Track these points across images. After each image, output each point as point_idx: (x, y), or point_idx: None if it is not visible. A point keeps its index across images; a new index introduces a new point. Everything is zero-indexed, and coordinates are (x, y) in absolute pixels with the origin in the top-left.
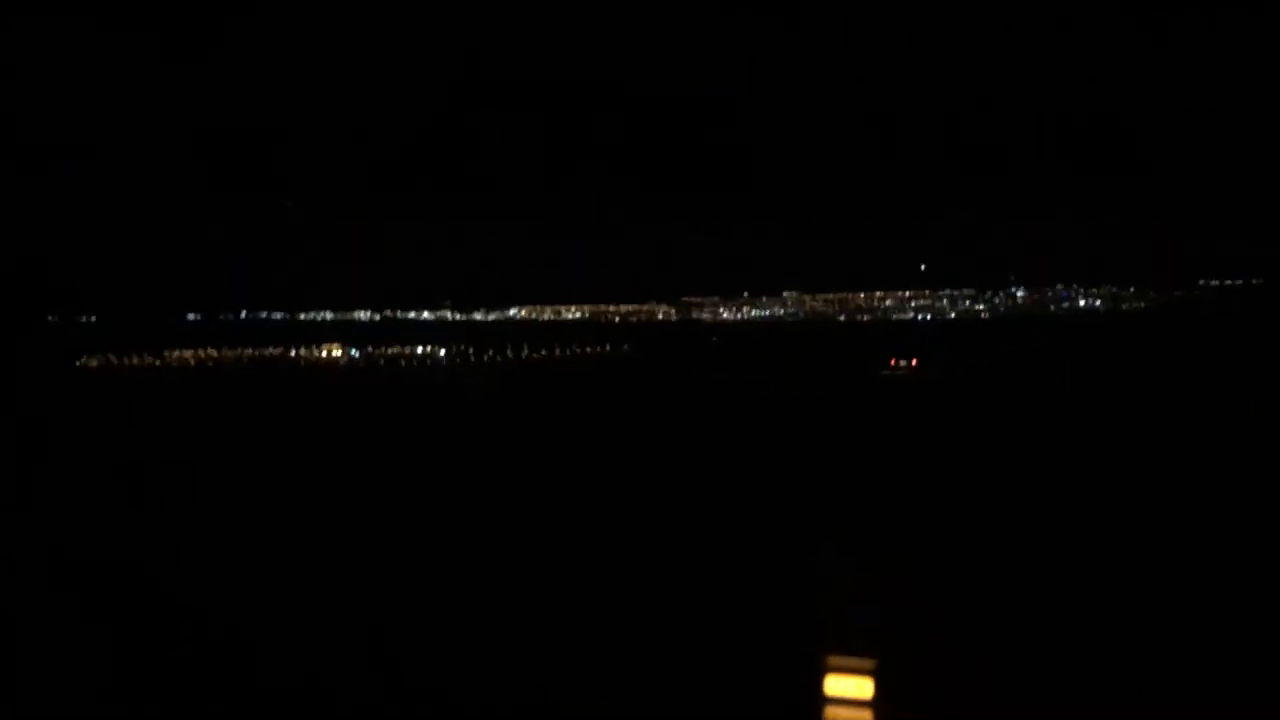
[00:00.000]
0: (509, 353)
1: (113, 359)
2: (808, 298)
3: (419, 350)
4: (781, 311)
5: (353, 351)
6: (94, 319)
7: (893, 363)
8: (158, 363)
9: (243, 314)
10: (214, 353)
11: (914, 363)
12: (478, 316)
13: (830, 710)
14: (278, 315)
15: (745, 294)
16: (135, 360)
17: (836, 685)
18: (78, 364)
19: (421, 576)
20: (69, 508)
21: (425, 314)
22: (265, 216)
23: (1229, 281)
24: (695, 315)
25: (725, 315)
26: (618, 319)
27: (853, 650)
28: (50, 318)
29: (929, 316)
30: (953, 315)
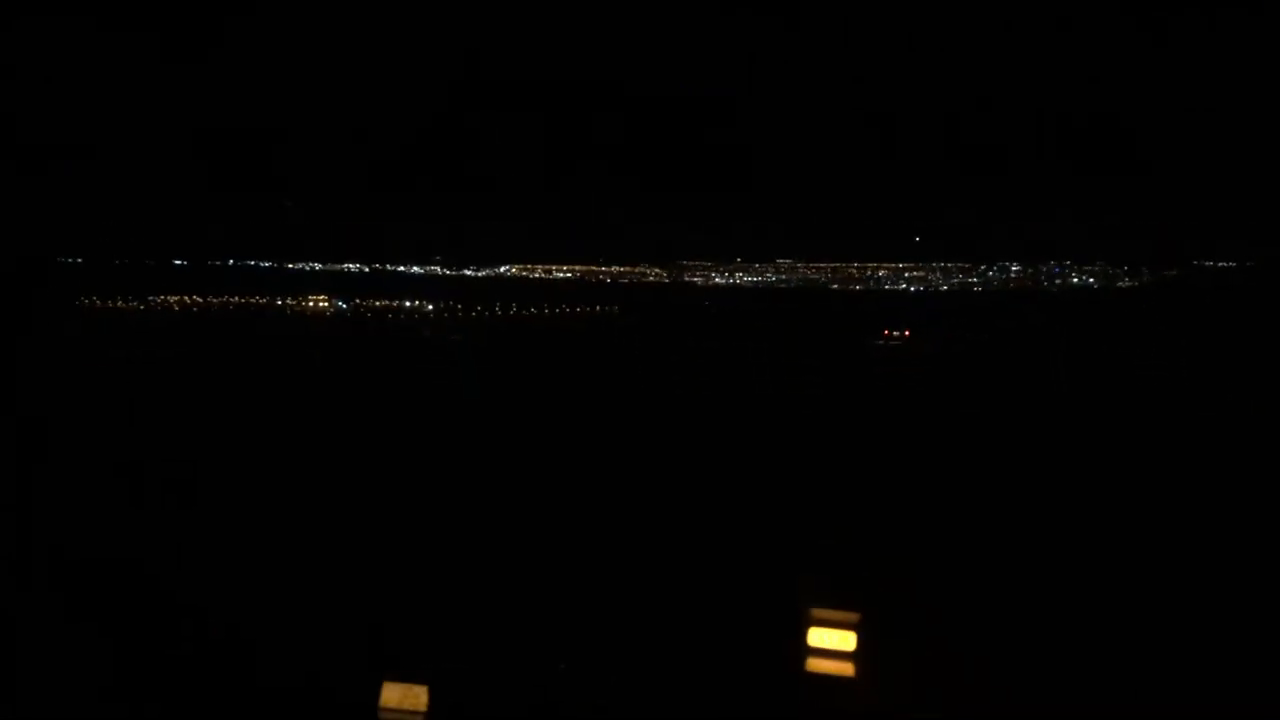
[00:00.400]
0: (497, 309)
1: (96, 301)
2: (800, 265)
3: (407, 304)
4: (774, 278)
5: (340, 303)
6: (79, 260)
7: (886, 333)
8: (141, 307)
9: (230, 261)
10: (199, 299)
11: (906, 334)
12: (468, 272)
13: (813, 661)
14: (266, 264)
15: (738, 259)
16: (119, 304)
17: (820, 637)
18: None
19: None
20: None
21: (415, 268)
22: (263, 217)
23: (1223, 263)
24: (688, 278)
25: (718, 280)
26: (609, 280)
27: (837, 603)
28: (39, 259)
29: (921, 288)
30: (945, 288)
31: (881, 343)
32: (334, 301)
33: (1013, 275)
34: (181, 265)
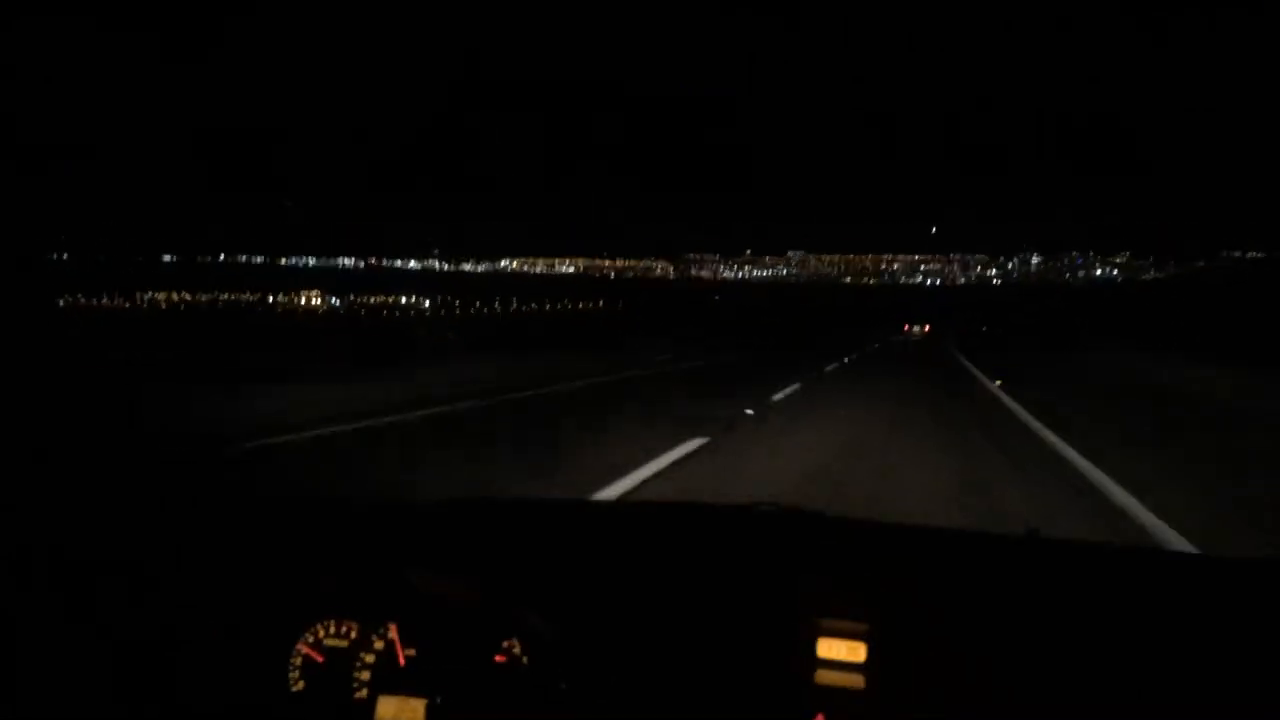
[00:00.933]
0: (496, 305)
1: (82, 299)
2: (813, 258)
3: (403, 300)
4: (785, 271)
5: (333, 300)
6: (65, 256)
7: (905, 328)
8: (128, 305)
9: (221, 257)
10: (188, 296)
11: (926, 329)
12: (466, 267)
13: (821, 673)
14: (258, 259)
15: (748, 252)
16: (105, 302)
17: (829, 648)
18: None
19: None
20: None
21: (412, 263)
22: (260, 215)
23: (1251, 254)
24: (695, 273)
25: (726, 274)
26: (613, 274)
27: (846, 614)
28: (26, 255)
29: (939, 281)
30: (963, 281)
31: (901, 338)
32: (326, 298)
33: (1034, 267)
34: (170, 261)
